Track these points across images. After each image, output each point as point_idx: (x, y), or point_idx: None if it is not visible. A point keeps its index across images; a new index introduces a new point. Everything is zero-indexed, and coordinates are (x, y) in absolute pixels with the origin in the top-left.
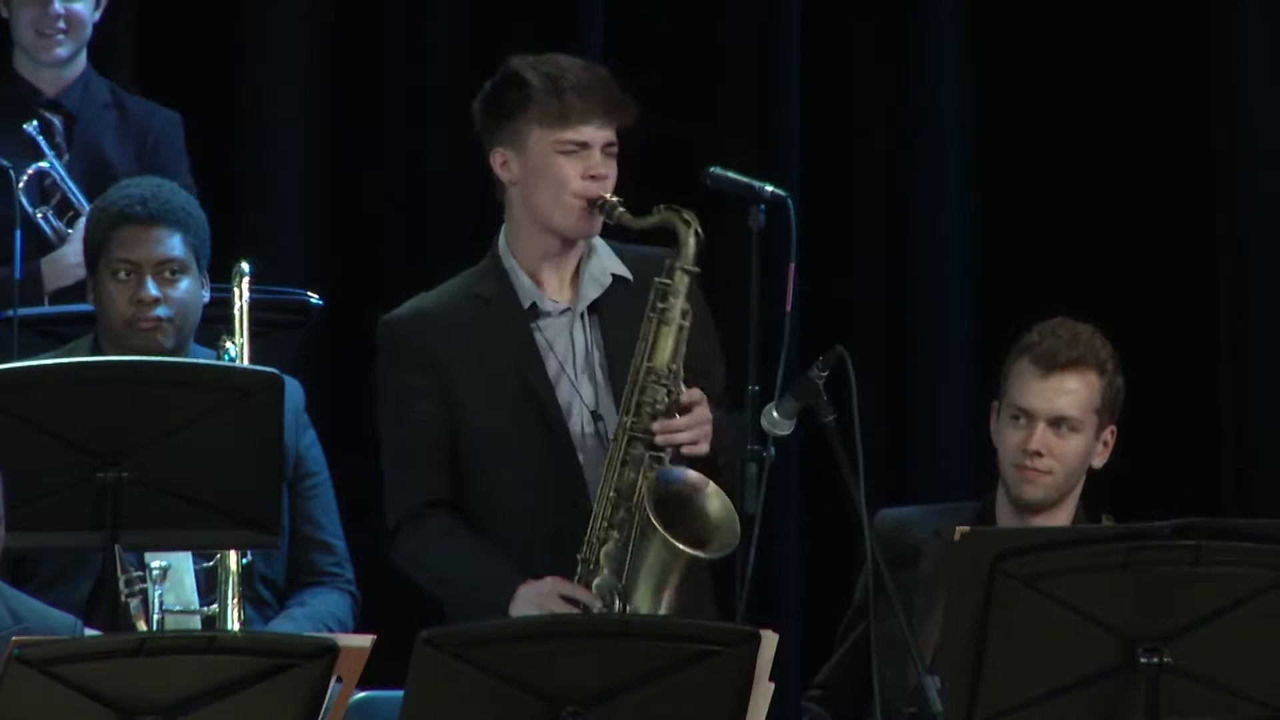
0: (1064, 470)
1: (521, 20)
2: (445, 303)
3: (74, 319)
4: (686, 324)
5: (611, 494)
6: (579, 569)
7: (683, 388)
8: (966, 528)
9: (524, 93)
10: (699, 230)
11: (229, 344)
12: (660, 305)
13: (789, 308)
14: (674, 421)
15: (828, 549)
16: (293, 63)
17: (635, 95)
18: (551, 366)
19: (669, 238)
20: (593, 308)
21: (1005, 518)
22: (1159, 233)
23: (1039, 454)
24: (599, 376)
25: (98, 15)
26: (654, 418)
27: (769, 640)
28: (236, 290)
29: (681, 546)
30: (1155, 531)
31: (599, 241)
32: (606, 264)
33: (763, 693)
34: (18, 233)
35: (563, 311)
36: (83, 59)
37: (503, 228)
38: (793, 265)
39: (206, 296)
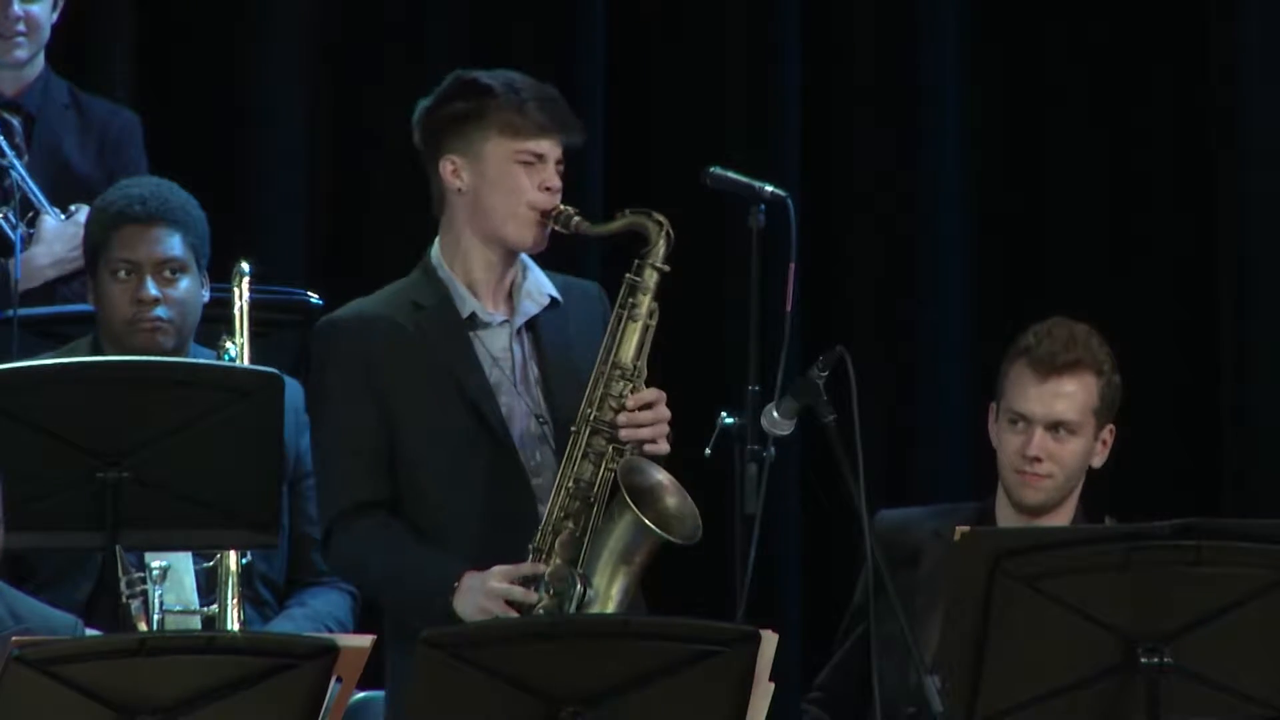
0: (1064, 473)
1: (522, 20)
2: (384, 308)
3: (74, 319)
4: (653, 323)
5: (570, 485)
6: (529, 558)
7: (644, 386)
8: (966, 528)
9: (484, 100)
10: (670, 231)
11: (229, 344)
12: (630, 301)
13: (789, 308)
14: (639, 415)
15: (828, 549)
16: (293, 63)
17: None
18: (492, 375)
19: (633, 241)
20: (528, 325)
21: (1006, 519)
22: (1159, 232)
23: (1038, 459)
24: (535, 390)
25: (55, 17)
26: (616, 411)
27: (769, 640)
28: (236, 290)
29: (652, 526)
30: (1155, 531)
31: (531, 262)
32: (542, 283)
33: (763, 693)
34: (18, 234)
35: (501, 323)
36: (40, 60)
37: (436, 240)
38: (793, 265)
39: (206, 296)
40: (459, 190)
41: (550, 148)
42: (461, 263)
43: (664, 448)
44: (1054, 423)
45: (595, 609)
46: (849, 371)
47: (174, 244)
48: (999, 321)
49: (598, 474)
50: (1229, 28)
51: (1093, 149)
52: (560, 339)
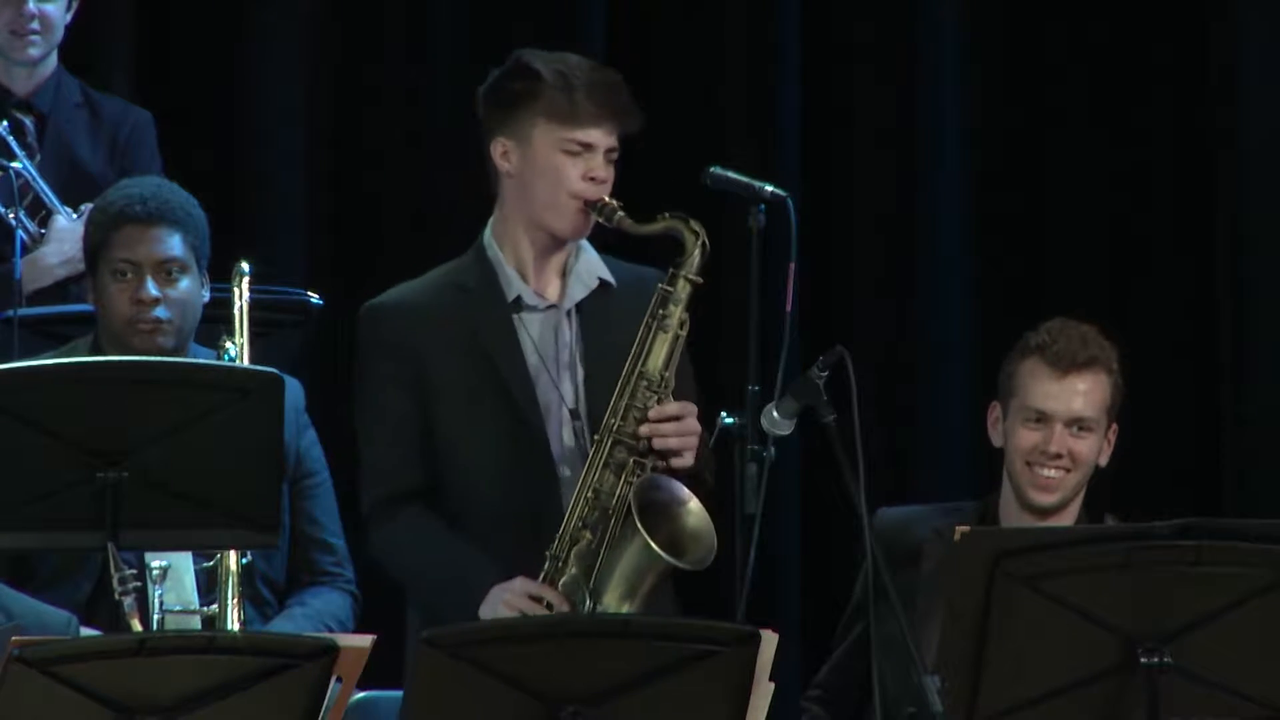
0: (1080, 471)
1: (522, 20)
2: (427, 292)
3: (74, 319)
4: (683, 334)
5: (590, 494)
6: (547, 565)
7: (672, 398)
8: (966, 527)
9: (534, 85)
10: (706, 242)
11: (229, 344)
12: (660, 312)
13: (789, 308)
14: (663, 425)
15: (828, 549)
16: (293, 63)
17: (640, 100)
18: (531, 361)
19: (671, 246)
20: (577, 307)
21: (1009, 518)
22: (1159, 232)
23: (1059, 455)
24: (578, 374)
25: (69, 17)
26: (640, 423)
27: (769, 640)
28: (236, 290)
29: (659, 551)
30: (1155, 531)
31: (586, 243)
32: (594, 266)
33: (763, 693)
34: (19, 234)
35: (547, 307)
36: (53, 60)
37: (491, 219)
38: (793, 265)
39: (206, 296)
40: (508, 173)
41: (600, 137)
42: (511, 244)
43: (686, 461)
44: (1074, 419)
45: None
46: (849, 371)
47: (174, 244)
48: (999, 321)
49: (618, 485)
50: (1229, 28)
51: (1093, 149)
52: (608, 322)
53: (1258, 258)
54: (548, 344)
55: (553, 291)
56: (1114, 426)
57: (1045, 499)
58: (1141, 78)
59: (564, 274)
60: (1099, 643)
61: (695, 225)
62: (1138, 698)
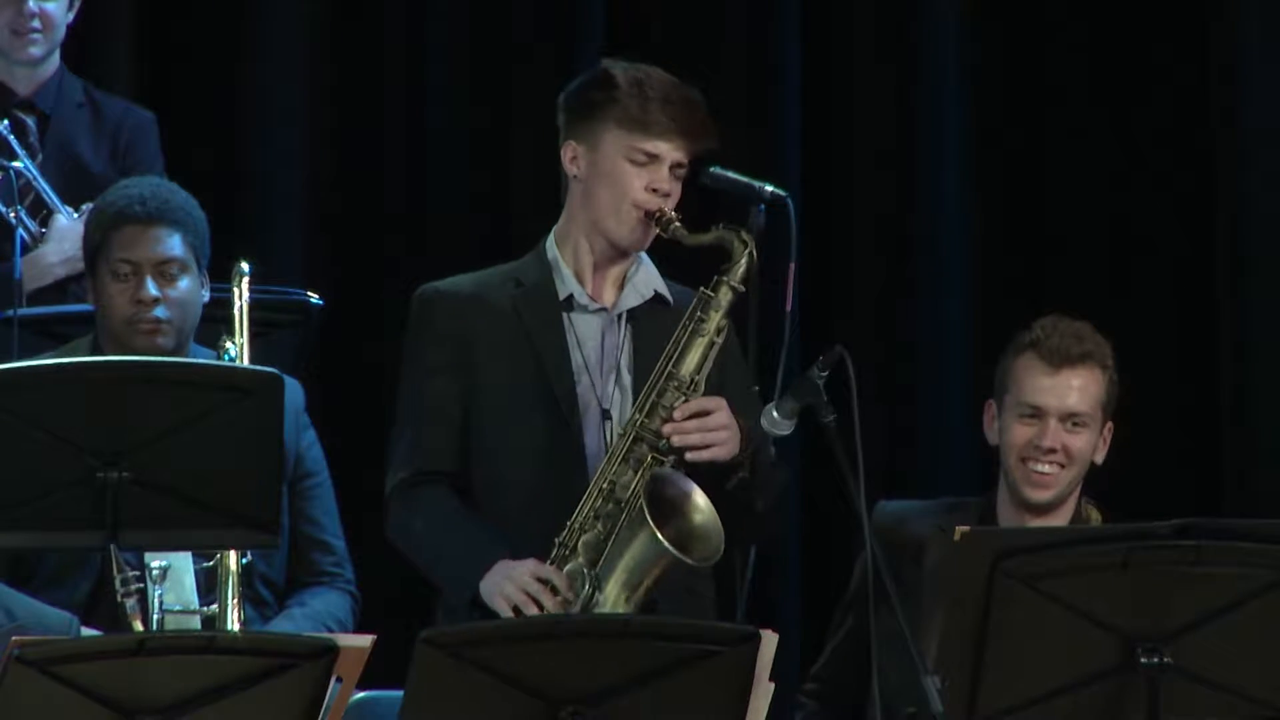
0: (1075, 468)
1: (522, 19)
2: (482, 283)
3: (74, 319)
4: (719, 341)
5: (605, 486)
6: (554, 552)
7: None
8: (966, 528)
9: (609, 92)
10: (754, 253)
11: (229, 344)
12: (699, 315)
13: (789, 308)
14: (686, 423)
15: (828, 549)
16: (293, 63)
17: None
18: (575, 361)
19: (722, 257)
20: (629, 315)
21: (1007, 517)
22: (1159, 232)
23: (1053, 450)
24: (625, 378)
25: (71, 16)
26: (665, 421)
27: (769, 640)
28: (236, 290)
29: (666, 545)
30: (1155, 531)
31: (646, 258)
32: (652, 279)
33: (763, 693)
34: (19, 233)
35: (598, 309)
36: (56, 59)
37: (555, 226)
38: (793, 265)
39: (206, 296)
40: (575, 177)
41: (667, 150)
42: (572, 248)
43: (716, 453)
44: (1067, 414)
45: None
46: (849, 371)
47: (174, 244)
48: (999, 321)
49: (634, 480)
50: (1229, 28)
51: (1093, 148)
52: (654, 334)
53: (1258, 257)
54: (594, 345)
55: (607, 299)
56: (1109, 424)
57: (1040, 495)
58: (1141, 77)
59: (621, 284)
60: (1099, 642)
61: (745, 235)
62: (1138, 698)
